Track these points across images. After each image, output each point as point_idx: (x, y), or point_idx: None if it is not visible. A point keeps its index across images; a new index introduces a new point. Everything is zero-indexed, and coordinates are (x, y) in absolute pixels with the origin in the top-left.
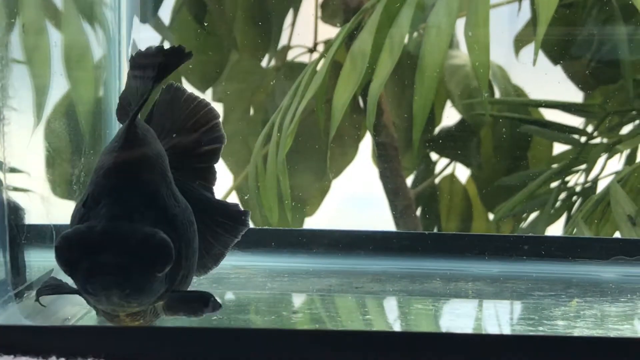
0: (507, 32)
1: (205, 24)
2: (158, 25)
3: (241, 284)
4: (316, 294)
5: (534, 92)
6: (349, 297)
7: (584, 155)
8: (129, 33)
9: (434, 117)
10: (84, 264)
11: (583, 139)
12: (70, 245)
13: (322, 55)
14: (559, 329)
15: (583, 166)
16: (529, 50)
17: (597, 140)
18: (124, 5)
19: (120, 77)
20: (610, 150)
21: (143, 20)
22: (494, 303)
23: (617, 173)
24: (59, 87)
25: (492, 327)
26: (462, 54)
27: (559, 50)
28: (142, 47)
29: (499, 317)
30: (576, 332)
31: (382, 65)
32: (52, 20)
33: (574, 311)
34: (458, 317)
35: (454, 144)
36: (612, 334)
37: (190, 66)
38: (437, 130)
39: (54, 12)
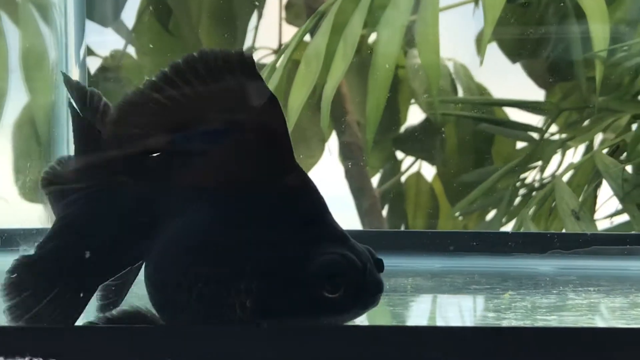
0: (472, 31)
1: (170, 27)
2: (120, 29)
3: None
4: None
5: (499, 91)
6: None
7: (538, 151)
8: (79, 37)
9: (399, 116)
10: (371, 282)
11: (547, 137)
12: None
13: (277, 57)
14: (489, 320)
15: (540, 162)
16: (490, 49)
17: (557, 137)
18: (71, 8)
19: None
20: (562, 146)
21: (104, 24)
22: (430, 297)
23: (569, 168)
24: (17, 91)
25: (423, 321)
26: None
27: (516, 49)
28: (101, 51)
29: (433, 311)
30: (504, 323)
31: (336, 67)
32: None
33: (506, 303)
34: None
35: (419, 142)
36: (539, 324)
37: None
38: (402, 129)
39: (12, 11)
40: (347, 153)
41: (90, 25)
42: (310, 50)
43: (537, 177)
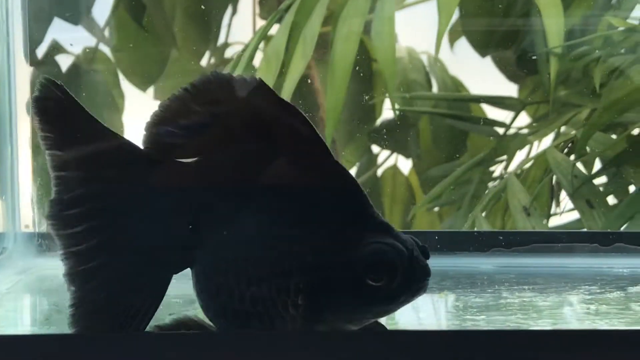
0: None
1: (144, 23)
2: (91, 26)
3: None
4: None
5: (475, 84)
6: None
7: (503, 146)
8: (25, 32)
9: (374, 109)
10: (418, 268)
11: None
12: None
13: (239, 56)
14: (419, 321)
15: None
16: (462, 42)
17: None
18: (12, 2)
19: (10, 78)
20: (523, 141)
21: (74, 21)
22: None
23: (522, 164)
24: None
25: None
26: (400, 47)
27: (485, 43)
28: (75, 48)
29: None
30: (432, 324)
31: (295, 65)
32: None
33: (441, 302)
34: None
35: (394, 135)
36: (467, 324)
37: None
38: (378, 122)
39: None
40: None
41: (59, 23)
42: (270, 48)
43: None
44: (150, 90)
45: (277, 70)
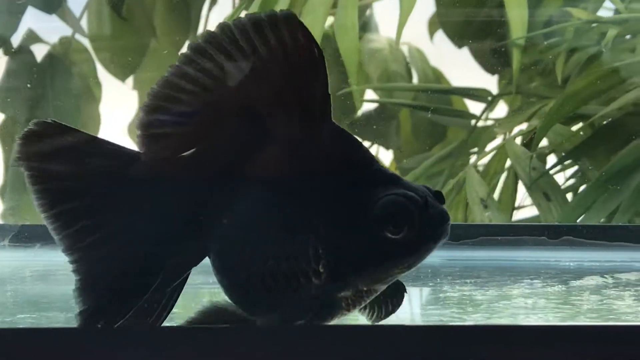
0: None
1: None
2: (66, 16)
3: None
4: None
5: (456, 75)
6: None
7: (474, 138)
8: None
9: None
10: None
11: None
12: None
13: None
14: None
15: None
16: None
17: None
18: None
19: None
20: (491, 133)
21: (48, 10)
22: None
23: (481, 156)
24: None
25: None
26: (380, 38)
27: (461, 34)
28: (52, 37)
29: None
30: (364, 319)
31: None
32: None
33: None
34: None
35: (375, 127)
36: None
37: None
38: (359, 113)
39: None
40: None
41: (33, 12)
42: None
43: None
44: (130, 79)
45: None
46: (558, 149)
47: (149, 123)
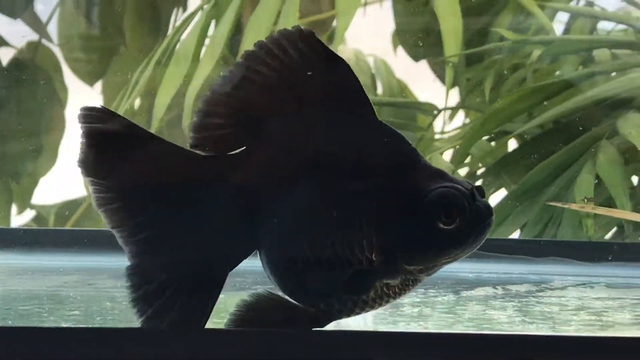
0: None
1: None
2: (31, 20)
3: None
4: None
5: (420, 87)
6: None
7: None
8: None
9: None
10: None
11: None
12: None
13: (153, 53)
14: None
15: None
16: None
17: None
18: None
19: None
20: (430, 147)
21: (12, 14)
22: None
23: None
24: None
25: None
26: (346, 49)
27: (416, 48)
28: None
29: None
30: None
31: (202, 67)
32: None
33: None
34: None
35: None
36: None
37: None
38: None
39: None
40: None
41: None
42: (180, 50)
43: None
44: (98, 84)
45: (184, 71)
46: (482, 164)
47: (203, 126)
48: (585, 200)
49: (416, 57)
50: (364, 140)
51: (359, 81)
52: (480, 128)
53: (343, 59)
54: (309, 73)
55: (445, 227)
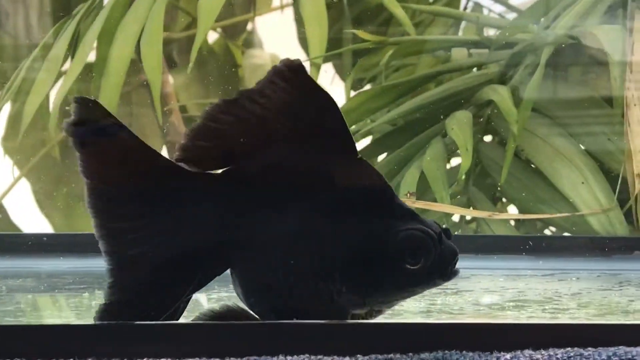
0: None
1: None
2: None
3: None
4: None
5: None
6: None
7: None
8: None
9: None
10: (447, 250)
11: None
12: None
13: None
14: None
15: None
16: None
17: None
18: None
19: None
20: None
21: None
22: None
23: None
24: None
25: None
26: (263, 54)
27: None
28: None
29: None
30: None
31: (71, 71)
32: None
33: (86, 303)
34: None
35: None
36: None
37: None
38: None
39: None
40: (172, 152)
41: None
42: (51, 55)
43: None
44: None
45: (54, 75)
46: None
47: (192, 146)
48: (408, 194)
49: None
50: (341, 174)
51: (342, 115)
52: None
53: (328, 94)
54: (293, 105)
55: (410, 267)
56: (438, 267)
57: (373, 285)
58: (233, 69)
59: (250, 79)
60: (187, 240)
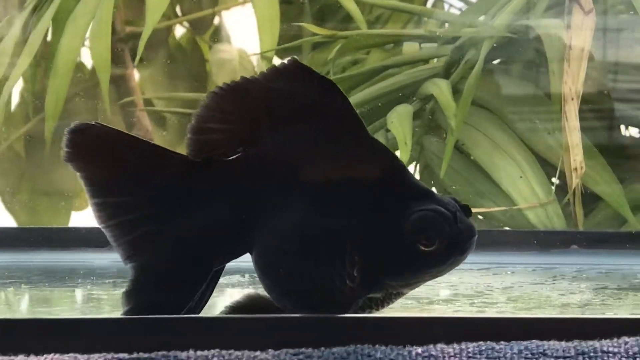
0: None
1: None
2: None
3: None
4: None
5: None
6: None
7: None
8: None
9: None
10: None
11: None
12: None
13: None
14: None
15: None
16: None
17: None
18: None
19: None
20: None
21: None
22: None
23: None
24: None
25: None
26: (231, 48)
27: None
28: None
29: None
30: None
31: (20, 64)
32: None
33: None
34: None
35: None
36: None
37: None
38: None
39: None
40: None
41: None
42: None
43: None
44: None
45: (3, 69)
46: None
47: (199, 129)
48: None
49: (282, 56)
50: (353, 155)
51: (348, 100)
52: None
53: (331, 80)
54: (298, 88)
55: (425, 249)
56: (453, 248)
57: (386, 269)
58: (201, 64)
59: (218, 74)
60: (202, 226)
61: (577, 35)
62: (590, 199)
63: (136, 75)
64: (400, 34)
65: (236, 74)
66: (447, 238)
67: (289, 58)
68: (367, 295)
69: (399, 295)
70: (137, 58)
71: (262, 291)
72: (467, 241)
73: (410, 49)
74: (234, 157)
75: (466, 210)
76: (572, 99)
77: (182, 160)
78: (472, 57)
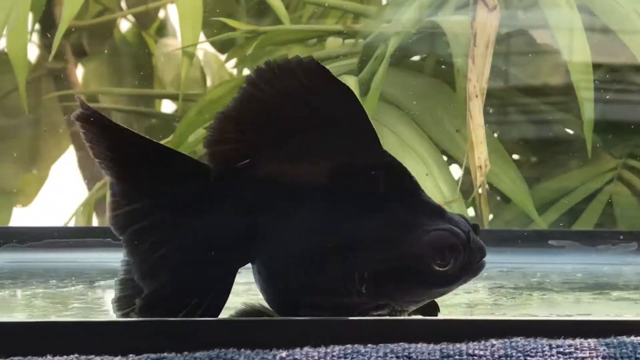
0: None
1: None
2: None
3: None
4: None
5: None
6: None
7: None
8: None
9: (153, 104)
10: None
11: None
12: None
13: None
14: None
15: None
16: None
17: None
18: None
19: None
20: None
21: None
22: None
23: None
24: None
25: None
26: (176, 42)
27: (220, 43)
28: None
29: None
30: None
31: None
32: None
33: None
34: None
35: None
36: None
37: None
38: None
39: None
40: (78, 142)
41: None
42: None
43: None
44: None
45: None
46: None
47: (215, 141)
48: None
49: (222, 51)
50: (366, 169)
51: (363, 109)
52: (196, 117)
53: (348, 87)
54: (312, 96)
55: (438, 269)
56: (466, 268)
57: (396, 287)
58: (146, 58)
59: (164, 68)
60: (210, 234)
61: (481, 32)
62: (504, 197)
63: (80, 69)
64: (320, 30)
65: (181, 68)
66: (460, 259)
67: (306, 57)
68: (373, 312)
69: (403, 312)
70: (52, 54)
71: (256, 301)
72: (479, 262)
73: (333, 44)
74: (242, 163)
75: (476, 228)
76: (477, 96)
77: (194, 165)
78: (382, 53)
